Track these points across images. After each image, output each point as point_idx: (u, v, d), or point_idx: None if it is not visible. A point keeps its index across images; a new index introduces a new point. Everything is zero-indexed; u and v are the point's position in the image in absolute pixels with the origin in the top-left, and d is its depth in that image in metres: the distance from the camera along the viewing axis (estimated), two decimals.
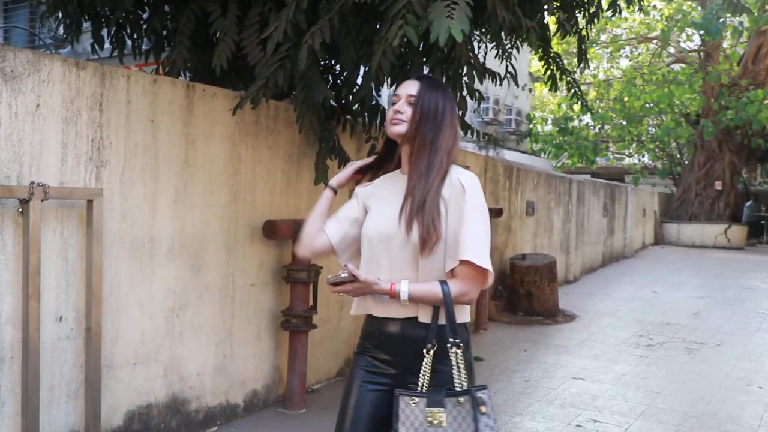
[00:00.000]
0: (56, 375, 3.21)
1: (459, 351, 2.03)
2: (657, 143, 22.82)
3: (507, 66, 4.80)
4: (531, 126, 20.63)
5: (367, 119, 4.74)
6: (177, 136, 3.75)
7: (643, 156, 25.34)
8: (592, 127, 22.39)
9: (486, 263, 2.01)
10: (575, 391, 5.07)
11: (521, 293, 7.77)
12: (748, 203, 22.14)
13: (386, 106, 5.23)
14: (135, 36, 5.00)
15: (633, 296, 9.78)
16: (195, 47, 4.50)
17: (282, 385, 4.59)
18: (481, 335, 6.95)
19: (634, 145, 23.84)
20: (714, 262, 14.45)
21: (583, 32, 5.30)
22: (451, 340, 2.03)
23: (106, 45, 5.07)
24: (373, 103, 4.55)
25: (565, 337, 6.95)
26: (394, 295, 2.02)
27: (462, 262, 2.01)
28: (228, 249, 4.12)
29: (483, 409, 1.98)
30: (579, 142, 20.77)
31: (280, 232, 4.25)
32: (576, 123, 21.41)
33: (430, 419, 1.98)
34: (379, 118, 4.79)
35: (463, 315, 2.13)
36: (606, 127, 22.37)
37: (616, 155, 26.40)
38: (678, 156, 23.64)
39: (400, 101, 2.15)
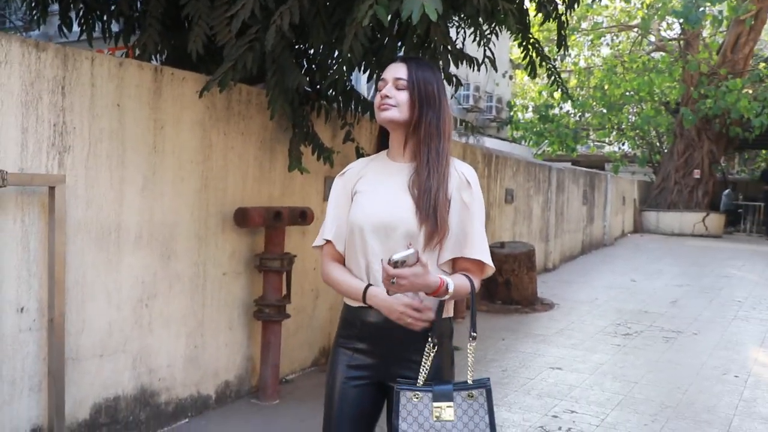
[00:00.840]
0: (18, 368, 3.11)
1: (473, 343, 2.05)
2: (637, 131, 22.88)
3: (485, 51, 4.72)
4: (512, 113, 20.60)
5: (341, 105, 4.65)
6: (145, 121, 3.63)
7: (623, 144, 25.40)
8: (572, 115, 22.39)
9: (491, 262, 2.06)
10: (552, 380, 5.04)
11: (500, 281, 7.72)
12: (726, 191, 22.29)
13: (361, 92, 5.14)
14: (105, 18, 4.86)
15: (612, 284, 9.78)
16: (166, 30, 4.37)
17: (255, 376, 4.50)
18: (458, 324, 6.88)
19: (614, 133, 23.89)
20: (692, 251, 14.53)
21: (563, 18, 5.22)
22: (473, 334, 2.05)
23: (75, 28, 4.92)
24: (348, 88, 4.45)
25: (544, 326, 6.93)
26: (440, 290, 1.92)
27: (469, 259, 2.03)
28: (198, 237, 4.02)
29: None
30: (559, 130, 20.76)
31: (253, 220, 4.15)
32: (557, 111, 21.40)
33: (437, 414, 1.93)
34: (353, 103, 4.70)
35: (452, 309, 2.12)
36: (586, 114, 22.38)
37: (596, 143, 26.46)
38: (657, 144, 23.73)
39: (387, 85, 2.06)
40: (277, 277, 4.33)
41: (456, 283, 1.97)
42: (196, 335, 4.05)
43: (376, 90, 2.14)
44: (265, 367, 4.34)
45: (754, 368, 5.56)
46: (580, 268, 11.48)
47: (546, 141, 21.48)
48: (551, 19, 5.00)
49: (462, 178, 2.05)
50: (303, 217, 4.49)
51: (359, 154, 4.86)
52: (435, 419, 1.92)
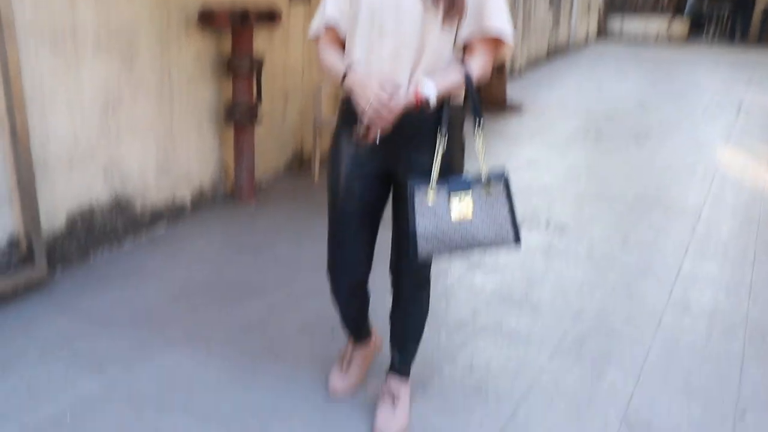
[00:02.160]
0: None
1: (481, 131, 1.92)
2: None
3: None
4: None
5: None
6: None
7: None
8: None
9: (509, 39, 1.88)
10: (529, 178, 5.08)
11: None
12: None
13: None
14: None
15: (580, 88, 9.72)
16: None
17: (229, 181, 4.44)
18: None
19: None
20: (657, 56, 14.42)
21: None
22: (479, 120, 1.91)
23: None
24: None
25: (515, 129, 6.90)
26: (421, 102, 1.80)
27: (483, 40, 1.87)
28: (161, 40, 3.75)
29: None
30: None
31: (219, 20, 3.88)
32: None
33: (455, 207, 1.84)
34: None
35: (461, 96, 1.96)
36: None
37: None
38: None
39: None
40: (246, 80, 4.13)
41: (443, 85, 1.83)
42: (166, 142, 3.90)
43: None
44: (240, 171, 4.28)
45: (721, 166, 5.67)
46: (547, 73, 11.34)
47: None
48: None
49: None
50: (271, 17, 4.21)
51: None
52: (455, 217, 1.83)
